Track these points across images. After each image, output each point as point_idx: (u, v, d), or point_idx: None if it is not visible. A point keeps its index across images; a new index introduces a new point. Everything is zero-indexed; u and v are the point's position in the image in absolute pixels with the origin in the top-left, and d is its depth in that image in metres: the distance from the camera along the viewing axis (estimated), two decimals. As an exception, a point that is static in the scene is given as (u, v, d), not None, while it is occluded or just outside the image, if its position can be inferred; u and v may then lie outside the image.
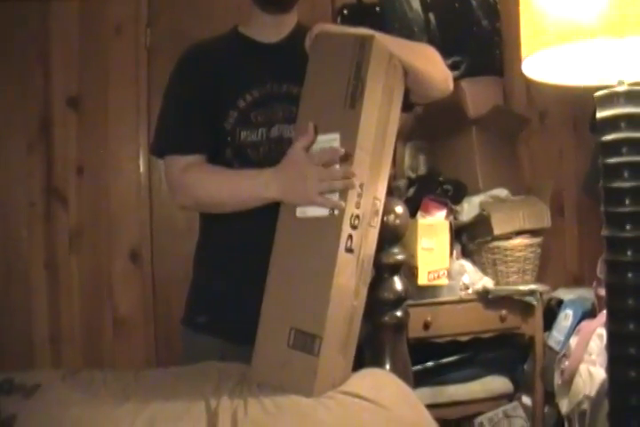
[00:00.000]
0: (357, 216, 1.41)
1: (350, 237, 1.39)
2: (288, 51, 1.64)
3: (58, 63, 2.76)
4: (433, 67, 1.64)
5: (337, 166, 1.38)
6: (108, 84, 2.79)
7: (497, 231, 2.54)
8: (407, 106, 1.63)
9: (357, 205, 1.41)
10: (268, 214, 1.48)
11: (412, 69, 1.54)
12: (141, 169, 2.78)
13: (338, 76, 1.42)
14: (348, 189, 1.38)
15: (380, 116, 1.46)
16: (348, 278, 1.42)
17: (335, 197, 1.39)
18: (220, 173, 1.58)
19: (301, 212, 1.44)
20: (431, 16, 3.03)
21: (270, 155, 1.59)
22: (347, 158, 1.38)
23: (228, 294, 1.63)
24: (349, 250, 1.39)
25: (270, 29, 1.68)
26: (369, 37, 1.43)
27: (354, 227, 1.40)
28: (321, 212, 1.40)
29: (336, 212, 1.38)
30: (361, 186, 1.41)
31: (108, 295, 2.74)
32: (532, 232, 2.62)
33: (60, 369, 1.64)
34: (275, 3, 1.65)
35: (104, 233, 2.76)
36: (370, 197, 1.45)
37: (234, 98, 1.62)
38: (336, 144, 1.40)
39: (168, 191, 1.69)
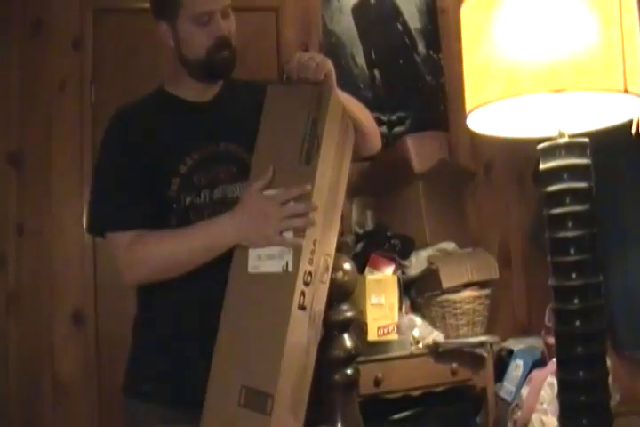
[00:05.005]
0: (310, 273, 1.40)
1: (303, 293, 1.38)
2: (220, 108, 1.63)
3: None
4: (373, 124, 1.67)
5: (292, 203, 1.39)
6: (51, 140, 2.75)
7: (445, 284, 2.54)
8: None
9: (310, 262, 1.40)
10: (211, 278, 1.46)
11: (360, 126, 1.56)
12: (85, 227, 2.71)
13: (293, 131, 1.44)
14: (308, 226, 1.39)
15: (332, 173, 1.46)
16: (300, 336, 1.40)
17: (290, 235, 1.39)
18: (170, 236, 1.53)
19: (254, 267, 1.42)
20: (376, 72, 3.10)
21: (215, 216, 1.55)
22: (309, 196, 1.39)
23: (174, 363, 1.55)
24: (302, 307, 1.38)
25: (200, 90, 1.64)
26: (325, 92, 1.44)
27: (307, 284, 1.39)
28: (274, 268, 1.39)
29: (289, 268, 1.37)
30: (314, 242, 1.40)
31: (49, 361, 2.63)
32: (481, 284, 2.64)
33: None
34: (213, 78, 1.62)
35: (45, 294, 2.67)
36: (322, 254, 1.44)
37: (175, 164, 1.56)
38: None
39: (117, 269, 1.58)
